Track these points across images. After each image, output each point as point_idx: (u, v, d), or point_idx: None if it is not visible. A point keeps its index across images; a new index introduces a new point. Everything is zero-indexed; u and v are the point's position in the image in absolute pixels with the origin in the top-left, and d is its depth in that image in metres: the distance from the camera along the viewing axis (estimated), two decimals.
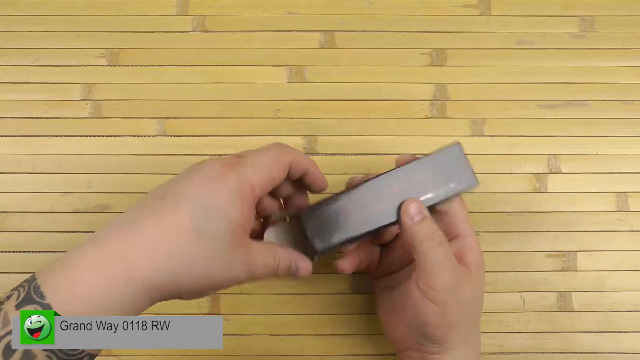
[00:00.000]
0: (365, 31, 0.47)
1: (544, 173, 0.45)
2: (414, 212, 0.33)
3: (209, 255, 0.27)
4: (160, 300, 0.28)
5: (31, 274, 0.27)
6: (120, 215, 0.28)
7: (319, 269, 0.41)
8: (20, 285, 0.26)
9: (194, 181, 0.28)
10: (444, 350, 0.33)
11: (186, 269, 0.27)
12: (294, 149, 0.33)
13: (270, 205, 0.34)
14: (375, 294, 0.40)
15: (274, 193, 0.34)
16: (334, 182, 0.44)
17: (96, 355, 0.28)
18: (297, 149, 0.33)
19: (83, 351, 0.26)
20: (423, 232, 0.33)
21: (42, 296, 0.25)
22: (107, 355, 0.42)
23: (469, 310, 0.34)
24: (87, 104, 0.45)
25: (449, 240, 0.34)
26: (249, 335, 0.43)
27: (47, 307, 0.25)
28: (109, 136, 0.45)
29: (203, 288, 0.29)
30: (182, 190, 0.28)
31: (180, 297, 0.28)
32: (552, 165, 0.45)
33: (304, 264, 0.34)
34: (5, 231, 0.43)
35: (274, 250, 0.32)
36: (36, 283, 0.26)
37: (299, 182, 0.34)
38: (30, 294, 0.26)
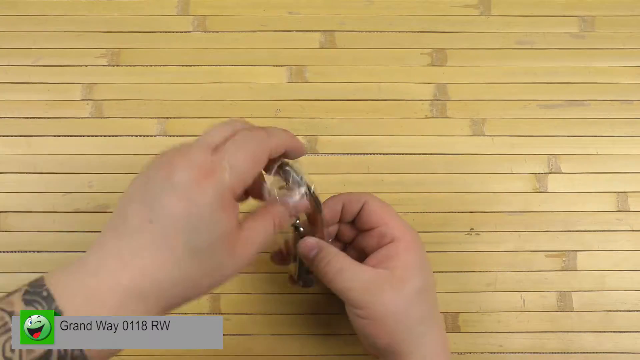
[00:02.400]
0: (365, 31, 0.47)
1: (544, 173, 0.45)
2: (308, 250, 0.35)
3: (210, 268, 0.28)
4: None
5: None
6: (119, 237, 0.28)
7: None
8: None
9: (173, 198, 0.27)
10: (401, 358, 0.33)
11: (191, 288, 0.28)
12: (269, 133, 0.30)
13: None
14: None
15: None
16: (334, 182, 0.44)
17: None
18: (271, 128, 0.31)
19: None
20: (320, 265, 0.34)
21: (41, 284, 0.26)
22: None
23: (404, 313, 0.33)
24: (87, 104, 0.45)
25: (385, 245, 0.35)
26: (249, 335, 0.43)
27: (48, 295, 0.26)
28: (109, 136, 0.45)
29: (209, 290, 0.29)
30: (166, 212, 0.27)
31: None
32: (552, 165, 0.45)
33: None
34: (5, 231, 0.44)
35: (262, 221, 0.31)
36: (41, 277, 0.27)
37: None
38: (32, 283, 0.26)
